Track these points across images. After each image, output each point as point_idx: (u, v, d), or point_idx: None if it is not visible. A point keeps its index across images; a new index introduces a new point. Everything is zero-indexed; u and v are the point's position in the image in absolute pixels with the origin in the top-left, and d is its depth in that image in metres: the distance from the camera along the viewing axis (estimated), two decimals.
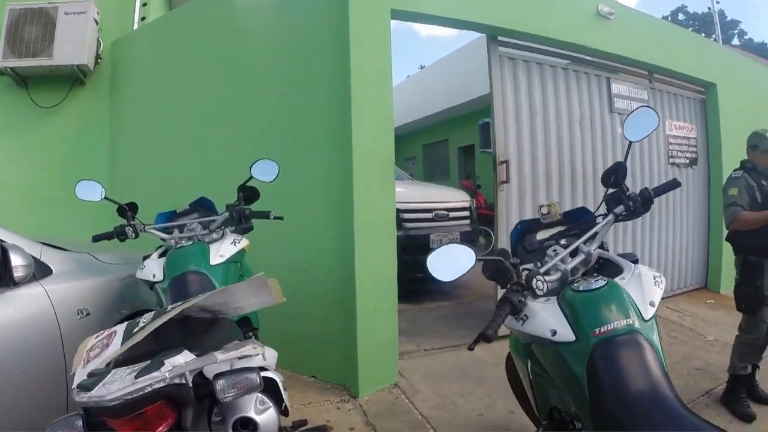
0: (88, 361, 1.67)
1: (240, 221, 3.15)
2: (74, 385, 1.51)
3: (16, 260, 2.45)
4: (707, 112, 7.59)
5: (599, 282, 1.79)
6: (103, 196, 3.15)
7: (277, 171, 3.19)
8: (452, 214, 6.69)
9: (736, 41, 43.88)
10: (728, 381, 3.94)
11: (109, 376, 1.46)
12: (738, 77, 7.94)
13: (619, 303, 1.71)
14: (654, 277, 1.88)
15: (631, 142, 2.20)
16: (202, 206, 3.36)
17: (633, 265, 1.96)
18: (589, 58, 6.07)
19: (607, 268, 2.04)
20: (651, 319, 1.74)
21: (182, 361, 1.53)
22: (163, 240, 3.11)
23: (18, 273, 2.46)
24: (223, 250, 2.96)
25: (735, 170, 4.01)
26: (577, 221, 2.29)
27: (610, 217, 2.12)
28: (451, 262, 1.79)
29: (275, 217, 3.15)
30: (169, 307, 1.87)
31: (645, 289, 1.81)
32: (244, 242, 3.12)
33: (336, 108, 4.11)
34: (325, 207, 4.17)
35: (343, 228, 4.04)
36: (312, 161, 4.22)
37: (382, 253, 4.07)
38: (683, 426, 1.39)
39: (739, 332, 3.97)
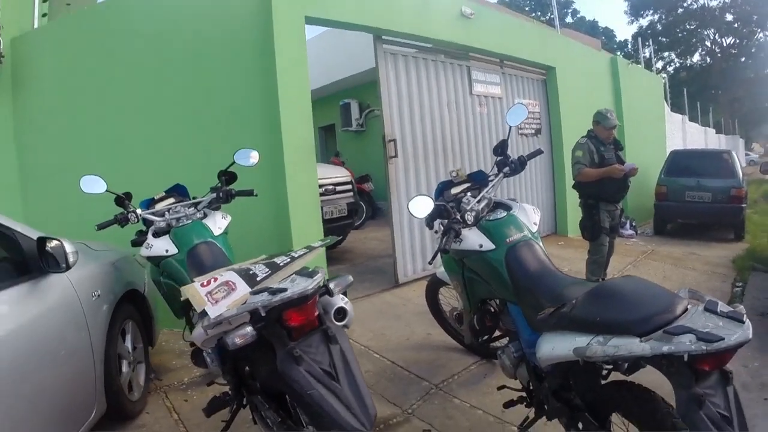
0: (217, 302, 2.28)
1: (227, 200, 3.74)
2: (217, 315, 2.21)
3: (69, 248, 2.72)
4: (548, 90, 9.47)
5: (502, 213, 3.14)
6: (105, 189, 3.54)
7: (258, 157, 3.89)
8: (338, 188, 7.81)
9: (569, 19, 48.03)
10: None
11: (279, 285, 2.31)
12: (573, 61, 9.93)
13: (516, 224, 3.04)
14: (533, 209, 3.26)
15: (510, 126, 3.51)
16: (176, 191, 3.90)
17: (517, 203, 3.29)
18: (454, 50, 7.51)
19: (500, 207, 3.30)
20: (536, 231, 3.10)
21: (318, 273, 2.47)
22: (147, 222, 3.58)
23: (71, 258, 2.73)
24: (219, 223, 3.59)
25: (582, 137, 5.71)
26: (477, 180, 3.51)
27: (501, 175, 3.44)
28: (420, 206, 2.98)
29: (255, 194, 3.96)
30: (308, 249, 2.72)
31: (528, 215, 3.17)
32: (228, 217, 3.73)
33: (265, 100, 5.09)
34: (260, 184, 4.56)
35: (277, 202, 5.02)
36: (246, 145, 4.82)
37: (312, 219, 5.23)
38: (564, 281, 2.70)
39: (588, 256, 5.71)
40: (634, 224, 10.51)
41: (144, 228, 3.62)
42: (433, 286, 4.40)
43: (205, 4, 5.45)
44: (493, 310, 3.29)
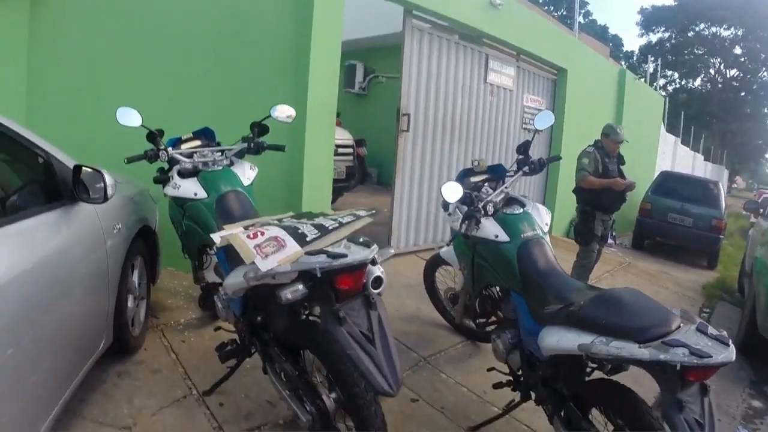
0: (267, 255, 2.38)
1: (257, 151, 3.83)
2: (268, 269, 2.32)
3: (109, 180, 2.67)
4: (557, 90, 9.71)
5: (518, 209, 3.37)
6: (140, 123, 3.49)
7: (294, 115, 3.99)
8: (339, 150, 7.76)
9: (581, 20, 48.22)
10: None
11: (337, 251, 2.43)
12: (585, 67, 10.16)
13: (530, 221, 3.28)
14: (545, 210, 3.50)
15: (536, 130, 3.75)
16: (203, 135, 3.90)
17: (530, 201, 3.52)
18: (476, 36, 7.65)
19: (515, 202, 3.52)
20: (546, 232, 3.33)
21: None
22: (172, 161, 3.60)
23: (110, 191, 2.68)
24: (248, 173, 3.69)
25: (589, 146, 5.97)
26: (496, 172, 3.72)
27: (520, 173, 3.67)
28: (451, 191, 3.16)
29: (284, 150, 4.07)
30: (355, 217, 2.79)
31: (541, 215, 3.41)
32: (256, 169, 3.81)
33: (295, 54, 5.12)
34: (277, 138, 4.30)
35: (292, 157, 5.01)
36: (271, 101, 4.39)
37: (324, 180, 5.40)
38: (568, 283, 2.97)
39: (576, 259, 5.99)
40: (614, 234, 10.84)
41: (166, 166, 3.67)
42: (434, 264, 4.61)
43: None
44: (495, 297, 3.55)
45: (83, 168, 2.62)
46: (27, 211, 2.39)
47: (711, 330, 2.28)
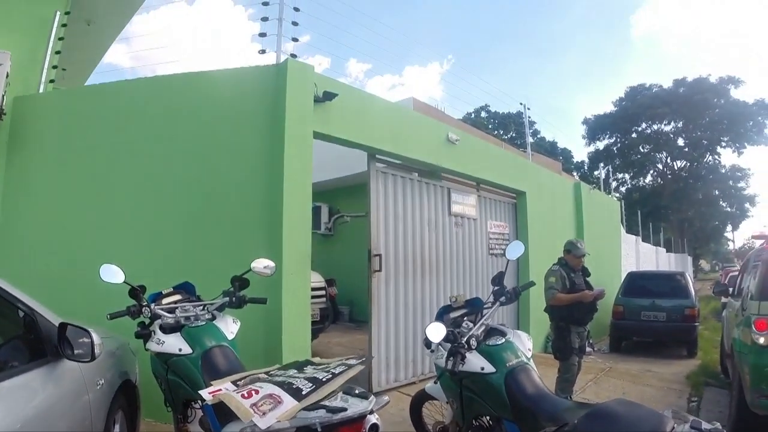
0: (264, 414, 2.39)
1: (239, 305, 3.92)
2: (267, 427, 2.33)
3: (96, 339, 2.68)
4: (518, 213, 10.04)
5: (500, 339, 3.48)
6: (123, 280, 3.49)
7: (274, 268, 4.13)
8: (313, 293, 7.88)
9: (530, 139, 49.91)
10: None
11: (335, 404, 2.51)
12: (542, 186, 10.60)
13: (513, 350, 3.38)
14: (527, 337, 3.63)
15: (509, 260, 3.91)
16: (183, 289, 4.01)
17: (510, 330, 3.64)
18: (437, 172, 8.01)
19: (496, 332, 3.64)
20: (530, 357, 3.43)
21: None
22: (153, 317, 3.59)
23: (97, 350, 2.69)
24: (231, 327, 3.73)
25: (554, 264, 6.14)
26: (474, 305, 3.91)
27: (497, 303, 3.83)
28: (435, 331, 3.23)
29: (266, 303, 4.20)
30: (346, 366, 2.91)
31: (523, 342, 3.54)
32: (239, 322, 3.85)
33: (269, 210, 5.36)
34: (253, 289, 4.29)
35: (268, 307, 4.80)
36: (247, 252, 4.73)
37: (302, 326, 5.43)
38: (559, 404, 3.02)
39: (558, 374, 5.98)
40: (591, 341, 10.84)
41: (147, 320, 3.65)
42: (420, 399, 4.60)
43: (218, 107, 5.65)
44: (486, 427, 3.55)
45: (69, 325, 2.64)
46: (10, 370, 2.39)
47: (705, 425, 2.33)
